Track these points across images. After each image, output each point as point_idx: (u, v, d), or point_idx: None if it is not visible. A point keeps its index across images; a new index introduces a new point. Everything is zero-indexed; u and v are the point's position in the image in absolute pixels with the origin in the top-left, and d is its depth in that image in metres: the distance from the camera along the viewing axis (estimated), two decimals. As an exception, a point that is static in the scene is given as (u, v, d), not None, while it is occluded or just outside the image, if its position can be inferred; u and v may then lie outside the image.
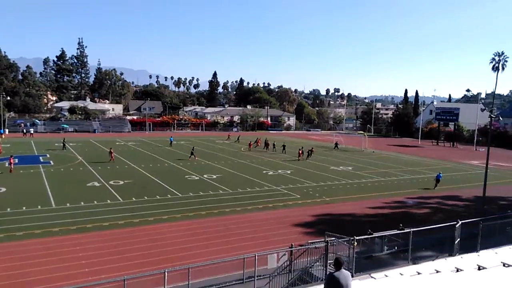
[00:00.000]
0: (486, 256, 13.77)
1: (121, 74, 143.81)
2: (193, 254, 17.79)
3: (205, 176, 35.91)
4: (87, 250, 18.03)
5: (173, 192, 29.39)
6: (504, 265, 11.58)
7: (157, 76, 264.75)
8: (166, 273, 12.93)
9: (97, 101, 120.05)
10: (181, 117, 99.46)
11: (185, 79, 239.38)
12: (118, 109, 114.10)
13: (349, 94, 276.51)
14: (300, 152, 49.31)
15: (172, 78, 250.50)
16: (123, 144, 59.85)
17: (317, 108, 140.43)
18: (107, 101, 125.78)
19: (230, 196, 28.76)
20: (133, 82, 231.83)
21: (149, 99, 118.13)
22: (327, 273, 13.39)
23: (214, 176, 35.82)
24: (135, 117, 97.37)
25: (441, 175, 35.49)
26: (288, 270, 15.50)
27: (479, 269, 11.65)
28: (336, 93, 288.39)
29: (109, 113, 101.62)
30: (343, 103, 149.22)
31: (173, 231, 21.06)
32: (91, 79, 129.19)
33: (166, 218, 23.04)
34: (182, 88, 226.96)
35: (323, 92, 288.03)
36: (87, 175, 34.54)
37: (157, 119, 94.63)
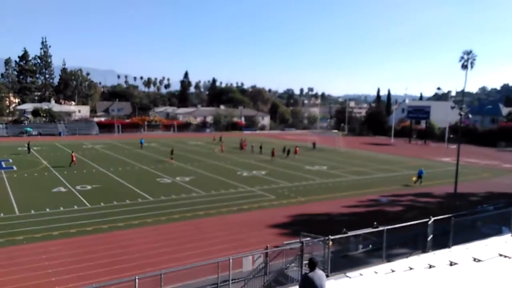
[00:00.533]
0: (458, 252, 14.00)
1: (87, 74, 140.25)
2: (166, 259, 17.32)
3: (177, 178, 35.24)
4: (54, 258, 17.34)
5: (144, 196, 28.64)
6: (474, 260, 11.77)
7: (126, 76, 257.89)
8: (136, 280, 12.44)
9: (63, 102, 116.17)
10: (151, 118, 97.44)
11: (155, 79, 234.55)
12: (84, 110, 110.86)
13: (323, 93, 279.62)
14: (273, 151, 49.85)
15: (141, 78, 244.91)
16: (90, 147, 58.06)
17: (291, 108, 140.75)
18: (73, 102, 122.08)
19: (203, 199, 28.31)
20: (100, 83, 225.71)
21: (117, 100, 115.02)
22: (303, 273, 13.27)
23: (187, 179, 35.20)
24: (103, 119, 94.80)
25: (422, 171, 36.62)
26: (264, 272, 15.31)
27: (451, 265, 11.80)
28: (310, 93, 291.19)
29: (75, 115, 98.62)
30: (317, 102, 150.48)
31: (145, 236, 20.49)
32: (56, 80, 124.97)
33: (137, 223, 22.40)
34: (152, 89, 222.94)
35: (297, 92, 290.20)
36: (52, 180, 33.24)
37: (127, 120, 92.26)
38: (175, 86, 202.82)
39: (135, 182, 32.95)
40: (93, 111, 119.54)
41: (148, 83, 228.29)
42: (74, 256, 17.66)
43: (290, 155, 51.04)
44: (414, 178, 36.23)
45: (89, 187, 31.04)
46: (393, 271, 12.26)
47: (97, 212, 24.30)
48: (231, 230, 21.79)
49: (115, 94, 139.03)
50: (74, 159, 40.75)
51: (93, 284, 12.35)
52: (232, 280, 14.22)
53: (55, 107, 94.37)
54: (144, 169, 39.93)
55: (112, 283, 13.02)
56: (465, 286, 8.61)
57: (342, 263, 14.95)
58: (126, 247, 18.84)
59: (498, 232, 18.39)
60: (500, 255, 11.94)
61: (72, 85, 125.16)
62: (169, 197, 28.51)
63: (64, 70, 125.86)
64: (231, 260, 13.96)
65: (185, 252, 18.30)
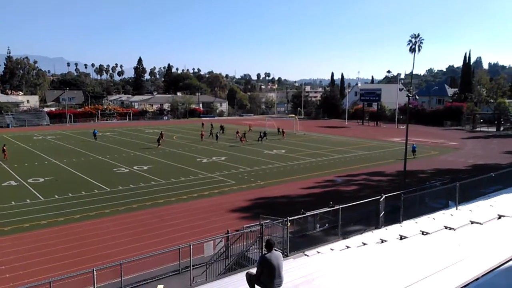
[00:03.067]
0: (408, 226, 14.85)
1: (35, 62, 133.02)
2: (126, 250, 17.11)
3: (135, 167, 34.56)
4: (7, 254, 16.71)
5: (101, 186, 27.92)
6: (422, 234, 12.52)
7: (76, 64, 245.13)
8: (94, 271, 12.30)
9: (9, 93, 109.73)
10: (105, 106, 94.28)
11: (108, 66, 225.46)
12: (33, 100, 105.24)
13: (279, 78, 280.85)
14: (242, 136, 50.37)
15: (93, 65, 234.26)
16: (41, 138, 55.56)
17: (249, 93, 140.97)
18: (20, 92, 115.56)
19: (163, 187, 28.02)
20: (49, 71, 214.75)
21: (68, 88, 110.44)
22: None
23: (145, 167, 34.62)
24: (53, 109, 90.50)
25: (414, 146, 40.11)
26: (225, 256, 15.53)
27: (401, 239, 12.51)
28: (267, 78, 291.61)
29: (24, 105, 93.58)
30: (274, 87, 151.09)
31: (103, 227, 20.08)
32: (1, 69, 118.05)
33: (94, 215, 21.89)
34: (105, 76, 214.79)
35: (254, 77, 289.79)
36: (1, 174, 31.64)
37: (79, 109, 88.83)
38: (129, 73, 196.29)
39: (91, 173, 31.99)
40: (42, 101, 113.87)
41: (100, 70, 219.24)
42: (29, 251, 17.08)
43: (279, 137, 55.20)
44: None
45: (41, 179, 29.83)
46: (348, 247, 12.86)
47: (52, 205, 23.47)
48: (192, 217, 21.80)
49: (66, 82, 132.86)
50: (5, 152, 38.68)
51: (50, 278, 12.07)
52: (193, 265, 14.36)
53: (1, 97, 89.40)
54: (99, 159, 38.79)
55: (69, 275, 12.76)
56: (413, 258, 9.21)
57: (301, 242, 15.45)
58: (83, 239, 18.41)
59: (445, 206, 19.58)
60: (445, 227, 12.68)
61: (18, 74, 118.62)
62: (127, 186, 27.97)
63: (9, 58, 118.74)
64: (191, 246, 14.08)
65: (146, 241, 18.15)
